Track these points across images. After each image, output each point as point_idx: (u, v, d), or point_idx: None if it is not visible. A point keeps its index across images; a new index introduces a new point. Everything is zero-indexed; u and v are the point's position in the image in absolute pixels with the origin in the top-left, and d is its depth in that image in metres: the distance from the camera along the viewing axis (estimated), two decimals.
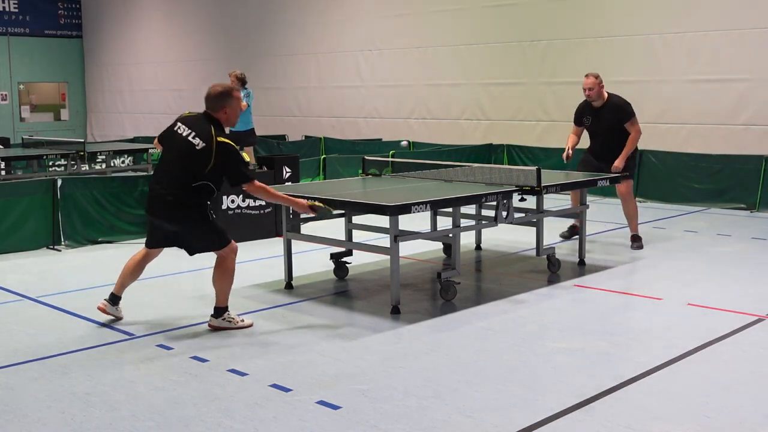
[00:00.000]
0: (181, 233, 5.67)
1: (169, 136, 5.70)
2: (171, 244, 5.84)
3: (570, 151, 8.61)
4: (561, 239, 8.82)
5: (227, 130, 5.92)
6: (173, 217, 5.56)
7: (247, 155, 9.45)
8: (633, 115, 8.44)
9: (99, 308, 5.89)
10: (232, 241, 5.76)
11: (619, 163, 8.31)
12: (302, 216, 6.42)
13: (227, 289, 5.76)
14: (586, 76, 8.54)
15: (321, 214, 6.33)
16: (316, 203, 5.96)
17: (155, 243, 5.86)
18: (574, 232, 8.82)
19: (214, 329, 5.71)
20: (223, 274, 5.74)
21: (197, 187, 5.46)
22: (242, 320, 5.80)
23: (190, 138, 5.50)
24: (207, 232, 5.63)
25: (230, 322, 5.73)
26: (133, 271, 5.90)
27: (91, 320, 6.00)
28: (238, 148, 5.54)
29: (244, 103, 12.88)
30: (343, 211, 6.35)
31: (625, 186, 8.44)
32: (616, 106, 8.46)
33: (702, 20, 12.07)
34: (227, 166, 5.47)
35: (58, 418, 4.21)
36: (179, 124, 5.66)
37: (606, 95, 8.53)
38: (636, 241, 8.53)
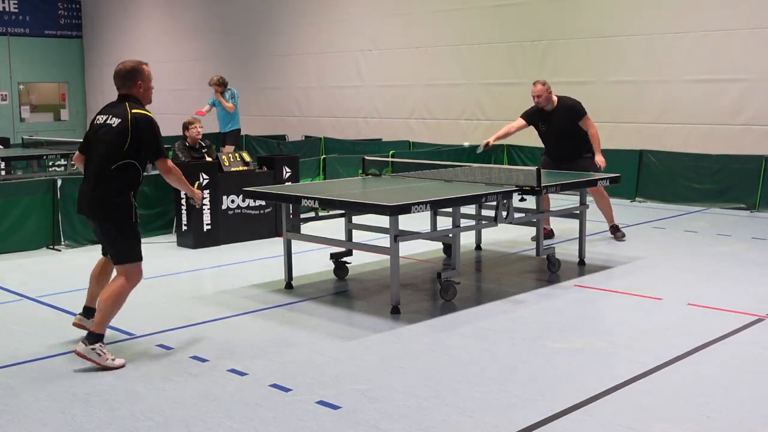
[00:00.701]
0: (103, 233, 5.19)
1: (88, 138, 5.28)
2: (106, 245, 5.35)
3: (491, 141, 8.80)
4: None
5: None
6: (96, 214, 5.12)
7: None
8: (585, 113, 8.72)
9: (74, 324, 5.44)
10: (141, 264, 5.20)
11: (599, 158, 8.58)
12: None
13: (112, 315, 5.10)
14: (534, 83, 8.84)
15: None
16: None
17: (103, 247, 5.44)
18: (545, 234, 8.84)
19: (80, 356, 4.94)
20: (114, 296, 5.08)
21: (119, 168, 5.01)
22: (113, 359, 4.98)
23: (107, 121, 5.12)
24: (123, 238, 5.11)
25: (100, 355, 4.93)
26: (99, 280, 5.42)
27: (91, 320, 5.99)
28: (155, 122, 5.16)
29: (230, 104, 13.04)
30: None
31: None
32: (567, 108, 8.73)
33: (702, 20, 12.06)
34: (144, 139, 5.05)
35: (58, 418, 4.21)
36: (96, 117, 5.28)
37: (555, 99, 8.79)
38: (617, 230, 8.90)
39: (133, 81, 5.23)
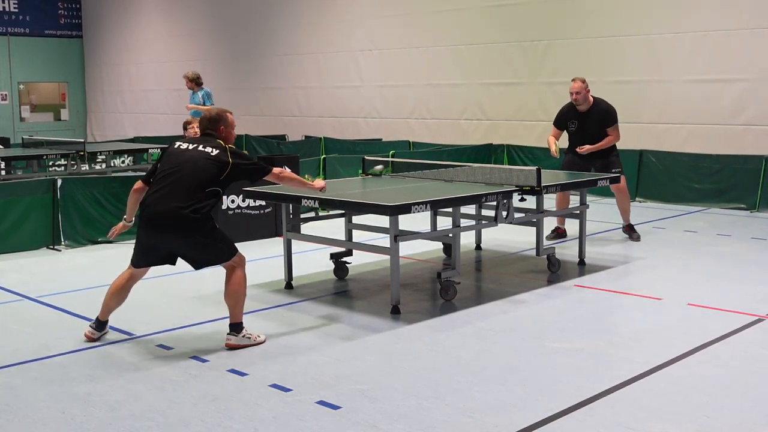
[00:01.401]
0: (187, 246, 5.38)
1: (172, 155, 5.47)
2: (167, 262, 5.55)
3: (556, 147, 8.77)
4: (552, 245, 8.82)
5: None
6: (181, 231, 5.27)
7: None
8: (617, 121, 8.70)
9: (86, 336, 5.51)
10: (240, 252, 5.53)
11: (585, 150, 8.58)
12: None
13: (241, 304, 5.45)
14: (573, 80, 8.78)
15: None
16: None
17: (147, 262, 5.54)
18: (559, 234, 8.86)
19: (232, 348, 5.33)
20: (232, 289, 5.42)
21: (209, 193, 5.30)
22: (258, 336, 5.46)
23: (200, 148, 5.40)
24: (215, 243, 5.40)
25: (248, 338, 5.40)
26: (120, 295, 5.55)
27: (91, 320, 5.99)
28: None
29: (206, 105, 12.72)
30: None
31: (621, 182, 8.68)
32: (602, 111, 8.69)
33: (702, 20, 12.06)
34: (245, 165, 5.47)
35: (58, 418, 4.21)
36: (180, 144, 5.54)
37: (592, 99, 8.75)
38: (633, 231, 8.91)
39: (217, 126, 5.68)
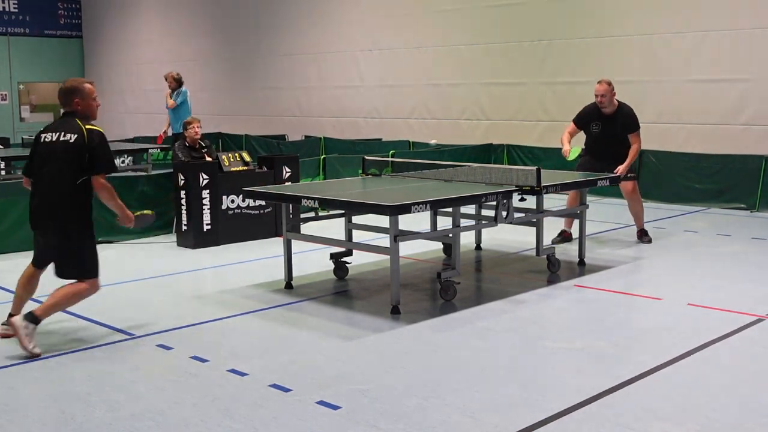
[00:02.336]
0: (57, 248, 5.33)
1: (38, 154, 5.39)
2: (51, 260, 5.45)
3: (570, 148, 8.73)
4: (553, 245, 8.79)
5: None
6: (53, 227, 5.27)
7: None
8: (639, 127, 8.65)
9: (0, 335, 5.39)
10: (98, 279, 5.42)
11: (622, 169, 8.47)
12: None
13: (58, 308, 5.35)
14: (599, 82, 8.62)
15: (147, 221, 5.96)
16: (144, 212, 5.81)
17: (40, 259, 5.52)
18: (565, 237, 8.82)
19: (11, 326, 5.17)
20: (71, 295, 5.31)
21: (81, 185, 5.24)
22: (35, 346, 5.17)
23: (61, 138, 5.28)
24: (80, 254, 5.31)
25: (27, 336, 5.13)
26: (26, 289, 5.57)
27: (91, 320, 6.00)
28: (105, 136, 5.38)
29: (172, 101, 12.77)
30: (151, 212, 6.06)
31: (632, 185, 8.73)
32: (626, 116, 8.62)
33: (702, 20, 12.06)
34: (98, 153, 5.25)
35: (58, 418, 4.21)
36: (42, 135, 5.42)
37: (617, 103, 8.65)
38: (645, 235, 8.79)
39: (71, 99, 5.44)
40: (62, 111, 5.56)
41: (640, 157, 12.07)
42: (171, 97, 13.08)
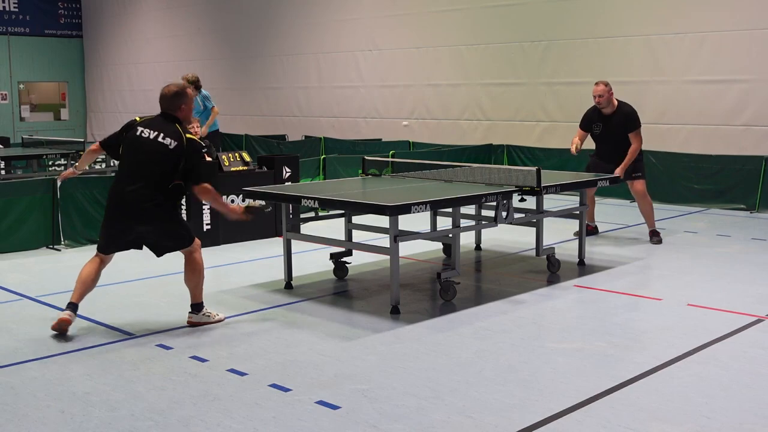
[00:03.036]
0: (152, 233, 5.67)
1: (132, 141, 5.66)
2: (133, 247, 5.81)
3: (578, 145, 8.81)
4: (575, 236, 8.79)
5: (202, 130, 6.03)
6: (147, 218, 5.58)
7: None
8: (639, 126, 8.67)
9: (63, 320, 5.53)
10: (196, 238, 5.86)
11: (619, 171, 8.52)
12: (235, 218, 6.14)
13: (202, 285, 5.85)
14: (596, 83, 8.73)
15: (260, 212, 6.18)
16: (252, 203, 6.07)
17: (115, 247, 5.76)
18: (589, 231, 8.92)
19: (193, 325, 5.80)
20: (195, 271, 5.80)
21: (173, 187, 5.59)
22: (217, 314, 5.92)
23: (159, 139, 5.57)
24: (178, 230, 5.73)
25: (208, 316, 5.86)
26: (93, 281, 5.75)
27: (91, 320, 6.00)
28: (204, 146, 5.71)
29: (207, 107, 12.45)
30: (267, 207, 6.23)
31: (641, 185, 8.76)
32: (625, 116, 8.66)
33: (702, 20, 12.07)
34: (193, 163, 5.60)
35: (58, 418, 4.21)
36: (140, 128, 5.66)
37: (616, 102, 8.72)
38: (655, 235, 8.78)
39: (177, 104, 5.74)
40: (161, 111, 5.78)
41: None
42: (199, 102, 12.73)
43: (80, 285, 5.69)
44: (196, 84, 12.42)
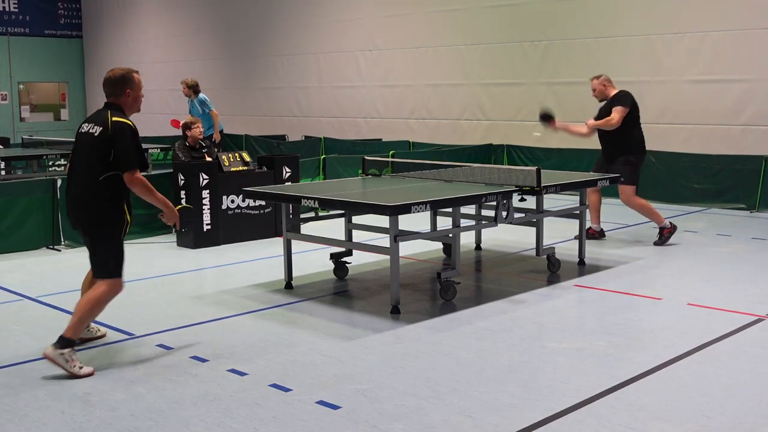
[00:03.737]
0: (89, 245, 5.13)
1: (75, 145, 5.17)
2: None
3: (563, 126, 8.91)
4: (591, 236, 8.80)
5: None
6: (83, 222, 5.04)
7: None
8: (622, 103, 8.53)
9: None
10: (122, 280, 5.14)
11: (590, 124, 8.68)
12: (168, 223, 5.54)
13: (86, 322, 5.01)
14: (591, 80, 8.87)
15: (187, 211, 5.88)
16: (183, 205, 5.64)
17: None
18: (591, 234, 8.79)
19: (48, 359, 4.79)
20: (91, 302, 4.95)
21: (106, 179, 4.93)
22: (81, 367, 4.82)
23: (90, 130, 5.01)
24: (105, 251, 5.06)
25: (68, 361, 4.79)
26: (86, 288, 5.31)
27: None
28: (135, 130, 5.00)
29: (205, 112, 12.37)
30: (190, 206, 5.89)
31: (622, 191, 8.62)
32: (615, 97, 8.67)
33: (702, 20, 12.07)
34: (118, 148, 4.90)
35: (58, 418, 4.21)
36: (82, 125, 5.16)
37: (613, 93, 8.73)
38: (664, 234, 8.67)
39: (122, 89, 5.12)
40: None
41: None
42: (189, 105, 12.67)
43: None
44: (195, 88, 12.41)
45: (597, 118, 8.77)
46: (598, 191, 8.89)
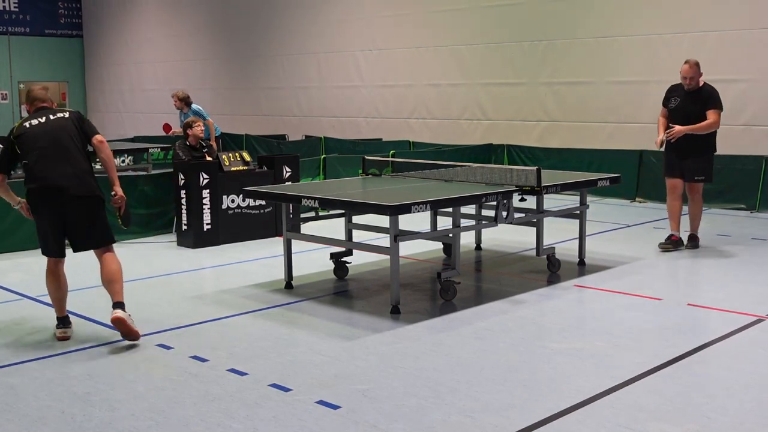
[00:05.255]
0: (81, 220, 5.49)
1: (30, 135, 5.49)
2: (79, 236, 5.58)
3: (662, 137, 8.19)
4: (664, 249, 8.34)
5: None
6: (82, 196, 5.46)
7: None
8: (721, 107, 8.07)
9: (60, 338, 5.49)
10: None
11: (678, 130, 8.00)
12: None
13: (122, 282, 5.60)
14: (686, 62, 8.17)
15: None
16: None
17: (60, 243, 5.56)
18: (674, 241, 8.34)
19: (120, 321, 5.30)
20: (119, 265, 5.63)
21: (88, 153, 5.66)
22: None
23: (57, 116, 5.57)
24: (104, 219, 5.64)
25: (133, 321, 5.45)
26: (61, 287, 5.60)
27: (91, 320, 6.00)
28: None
29: (209, 119, 12.31)
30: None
31: (701, 187, 8.27)
32: (708, 92, 8.12)
33: (702, 20, 12.07)
34: (87, 121, 5.72)
35: (58, 418, 4.21)
36: (30, 122, 5.54)
37: (702, 83, 8.18)
38: (693, 239, 8.37)
39: (48, 97, 5.78)
40: (35, 108, 5.71)
41: (640, 157, 12.08)
42: (180, 117, 12.57)
43: (54, 299, 5.66)
44: (186, 101, 12.31)
45: (671, 103, 8.23)
46: (680, 196, 8.37)
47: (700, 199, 8.38)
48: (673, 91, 8.40)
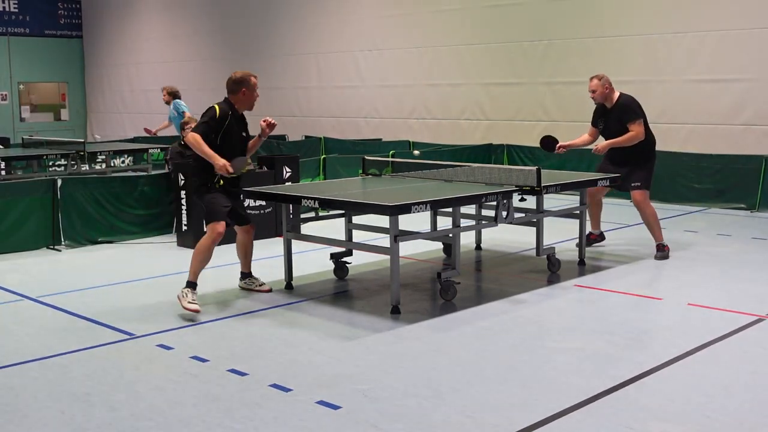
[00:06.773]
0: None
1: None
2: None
3: (566, 145, 8.21)
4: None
5: None
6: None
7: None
8: (639, 116, 7.94)
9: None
10: (217, 224, 6.40)
11: (602, 146, 7.99)
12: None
13: (196, 266, 6.32)
14: (590, 79, 8.13)
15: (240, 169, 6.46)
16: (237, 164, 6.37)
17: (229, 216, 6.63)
18: (592, 240, 8.47)
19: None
20: (196, 249, 6.42)
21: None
22: (190, 302, 6.12)
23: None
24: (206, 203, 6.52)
25: (182, 297, 6.15)
26: (242, 251, 6.93)
27: (91, 320, 6.00)
28: (216, 111, 6.31)
29: (189, 114, 12.46)
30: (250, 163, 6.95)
31: (639, 195, 8.00)
32: (620, 107, 8.02)
33: (702, 20, 12.07)
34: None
35: (58, 418, 4.21)
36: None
37: (616, 97, 8.08)
38: (660, 249, 8.03)
39: (238, 88, 6.42)
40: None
41: None
42: (170, 112, 12.95)
43: (241, 257, 6.94)
44: (175, 95, 12.74)
45: (599, 125, 8.20)
46: (601, 198, 8.48)
47: (647, 207, 8.04)
48: (597, 112, 8.28)
